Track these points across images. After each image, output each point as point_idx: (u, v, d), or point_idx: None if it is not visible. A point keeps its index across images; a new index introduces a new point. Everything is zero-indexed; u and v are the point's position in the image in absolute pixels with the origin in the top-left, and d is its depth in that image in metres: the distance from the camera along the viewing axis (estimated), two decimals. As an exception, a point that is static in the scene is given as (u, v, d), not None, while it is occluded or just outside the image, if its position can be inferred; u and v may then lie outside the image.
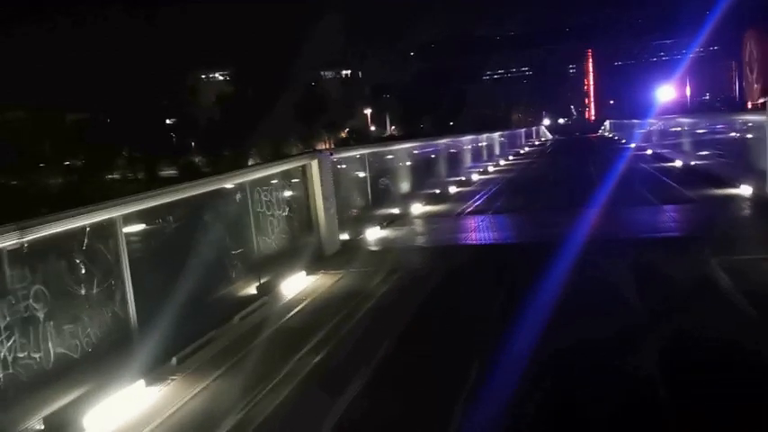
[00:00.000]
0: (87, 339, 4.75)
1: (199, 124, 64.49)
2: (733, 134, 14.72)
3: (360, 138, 66.10)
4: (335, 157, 10.61)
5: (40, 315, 4.37)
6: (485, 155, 27.50)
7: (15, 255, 4.25)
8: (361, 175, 12.24)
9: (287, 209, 8.66)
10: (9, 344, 4.16)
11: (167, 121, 68.08)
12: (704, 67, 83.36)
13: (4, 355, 4.15)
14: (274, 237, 8.17)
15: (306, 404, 4.72)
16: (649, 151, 26.66)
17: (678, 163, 19.84)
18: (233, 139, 56.09)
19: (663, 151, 24.08)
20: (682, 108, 61.98)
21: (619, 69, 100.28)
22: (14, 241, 4.20)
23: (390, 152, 14.97)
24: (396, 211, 13.18)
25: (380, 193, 12.89)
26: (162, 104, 65.19)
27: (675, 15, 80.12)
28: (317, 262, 8.87)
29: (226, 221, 7.03)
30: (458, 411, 4.29)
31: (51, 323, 4.44)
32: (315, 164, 9.36)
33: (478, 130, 31.24)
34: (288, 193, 8.95)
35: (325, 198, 9.43)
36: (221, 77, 78.66)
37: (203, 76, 78.58)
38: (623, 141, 39.10)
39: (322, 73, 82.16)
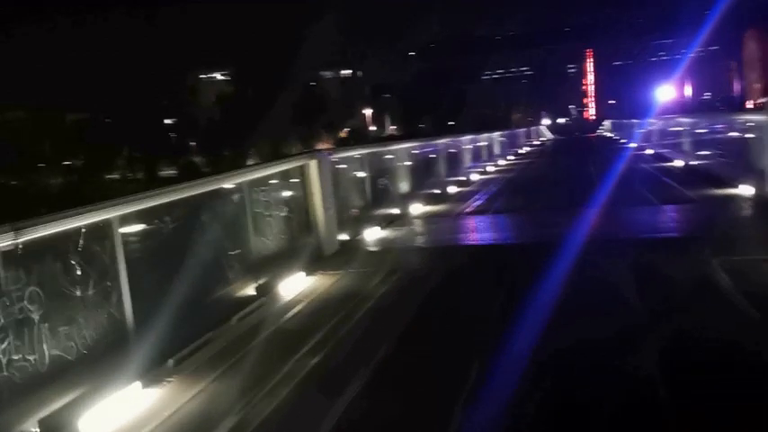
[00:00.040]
0: (83, 341, 4.71)
1: (199, 124, 64.52)
2: (733, 134, 14.69)
3: (359, 138, 66.04)
4: (334, 157, 10.58)
5: (35, 317, 4.33)
6: (484, 155, 27.46)
7: (10, 256, 4.21)
8: (361, 175, 12.21)
9: (285, 209, 8.63)
10: (3, 346, 4.12)
11: (167, 121, 68.08)
12: (704, 66, 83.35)
13: (-1, 358, 4.12)
14: (273, 237, 8.13)
15: (304, 406, 4.69)
16: (649, 151, 26.65)
17: (678, 163, 19.82)
18: (233, 140, 56.11)
19: (663, 151, 24.06)
20: (681, 108, 62.01)
21: (618, 69, 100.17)
22: (9, 242, 4.16)
23: (389, 152, 14.94)
24: (395, 211, 13.15)
25: (380, 193, 12.86)
26: (162, 104, 65.23)
27: (675, 15, 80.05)
28: (316, 262, 8.83)
29: (224, 222, 7.00)
30: (458, 411, 4.27)
31: (46, 325, 4.40)
32: (313, 164, 9.32)
33: (478, 129, 31.20)
34: (286, 194, 8.93)
35: (323, 198, 9.39)
36: (221, 77, 78.62)
37: (203, 76, 78.51)
38: (623, 141, 39.06)
39: (321, 73, 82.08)
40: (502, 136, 34.52)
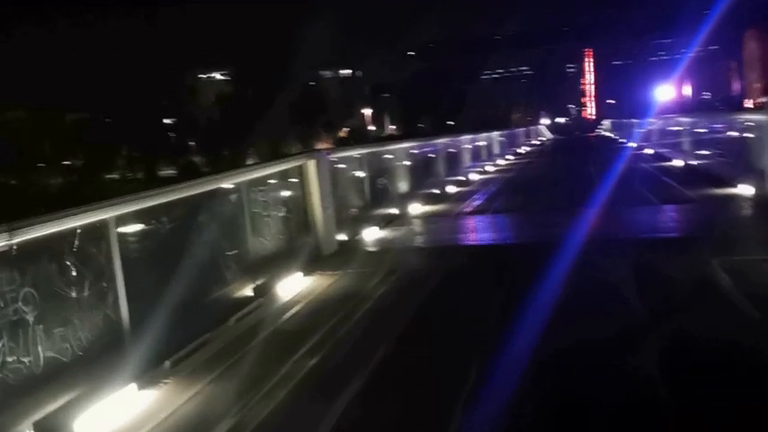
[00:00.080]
0: (78, 342, 4.66)
1: (198, 124, 64.50)
2: (733, 133, 14.66)
3: (359, 137, 66.00)
4: (333, 156, 10.55)
5: (30, 318, 4.29)
6: (484, 154, 27.44)
7: (4, 257, 4.17)
8: (359, 174, 12.17)
9: (284, 209, 8.59)
10: (-2, 347, 4.09)
11: (166, 121, 68.07)
12: (703, 66, 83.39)
13: (-7, 359, 4.08)
14: (271, 237, 8.09)
15: (302, 408, 4.65)
16: (649, 151, 26.62)
17: (678, 162, 19.80)
18: (232, 139, 56.07)
19: (662, 150, 24.03)
20: (681, 107, 62.00)
21: (618, 69, 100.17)
22: (3, 243, 4.12)
23: (389, 152, 14.91)
24: (394, 211, 13.12)
25: (379, 192, 12.82)
26: (161, 104, 65.26)
27: (675, 15, 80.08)
28: (315, 263, 8.80)
29: (221, 222, 6.95)
30: (458, 412, 4.25)
31: (41, 326, 4.36)
32: (312, 164, 9.28)
33: (477, 129, 31.16)
34: (285, 194, 8.89)
35: (322, 198, 9.36)
36: (221, 77, 78.61)
37: (202, 76, 78.53)
38: (623, 141, 39.04)
39: (321, 72, 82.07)
40: (501, 136, 34.50)
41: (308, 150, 11.12)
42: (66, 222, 4.64)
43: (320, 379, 5.09)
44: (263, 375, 5.09)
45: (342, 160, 11.40)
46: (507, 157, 32.51)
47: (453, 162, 20.78)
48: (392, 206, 13.19)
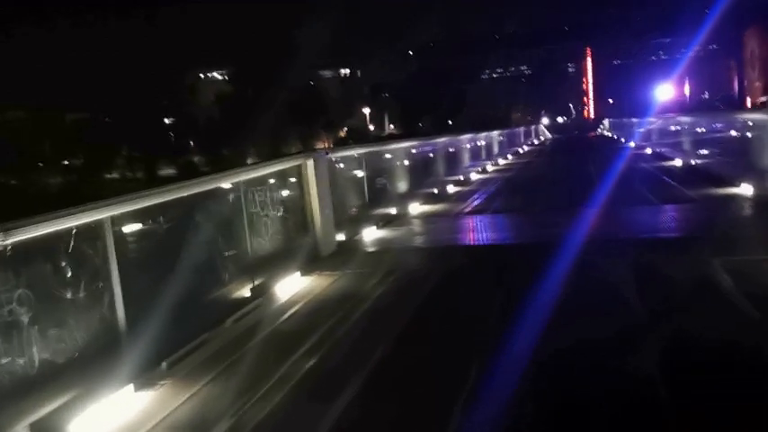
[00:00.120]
0: (74, 344, 4.64)
1: (198, 124, 64.49)
2: (733, 133, 14.64)
3: (359, 137, 65.95)
4: (332, 156, 10.51)
5: (25, 319, 4.26)
6: (483, 154, 27.41)
7: (-1, 257, 4.15)
8: (358, 174, 12.14)
9: (282, 209, 8.55)
10: (-7, 348, 4.06)
11: (166, 121, 68.07)
12: (703, 66, 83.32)
13: (-12, 361, 4.05)
14: (269, 237, 8.05)
15: (300, 409, 4.62)
16: (649, 150, 26.61)
17: (678, 162, 19.77)
18: (232, 139, 56.03)
19: (662, 150, 24.00)
20: (681, 107, 62.03)
21: (618, 68, 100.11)
22: (-2, 243, 4.10)
23: (388, 151, 14.88)
24: (393, 210, 13.08)
25: (378, 192, 12.79)
26: (161, 104, 65.24)
27: (675, 14, 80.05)
28: (313, 263, 8.76)
29: (219, 222, 6.91)
30: (457, 412, 4.23)
31: (36, 327, 4.33)
32: (310, 163, 9.25)
33: (477, 129, 31.13)
34: (283, 193, 8.85)
35: (320, 198, 9.32)
36: (220, 77, 78.60)
37: (202, 76, 78.52)
38: (622, 140, 39.04)
39: (321, 72, 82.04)
40: (501, 135, 34.44)
41: (306, 150, 11.08)
42: (62, 222, 4.61)
43: (318, 380, 5.06)
44: (260, 376, 5.05)
45: (340, 160, 11.37)
46: (507, 156, 32.50)
47: (453, 161, 20.75)
48: (391, 206, 13.15)
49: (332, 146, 51.44)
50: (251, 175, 7.88)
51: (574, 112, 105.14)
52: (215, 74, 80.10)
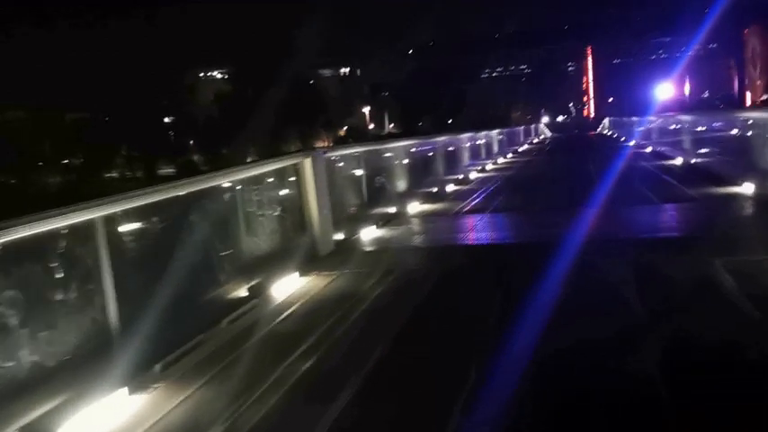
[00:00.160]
0: (65, 346, 4.57)
1: (197, 123, 64.51)
2: (734, 132, 14.57)
3: (358, 136, 65.96)
4: (330, 155, 10.45)
5: (14, 321, 4.18)
6: (483, 153, 27.36)
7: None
8: (357, 173, 12.08)
9: (279, 208, 8.50)
10: (-20, 353, 3.99)
11: (166, 120, 68.10)
12: (703, 65, 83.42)
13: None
14: (266, 237, 8.00)
15: (297, 411, 4.55)
16: (649, 149, 26.55)
17: (678, 161, 19.71)
18: (231, 138, 56.02)
19: (663, 149, 23.95)
20: (681, 106, 62.00)
21: (618, 67, 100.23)
22: (-13, 244, 4.02)
23: (387, 150, 14.82)
24: (392, 210, 13.02)
25: (376, 191, 12.73)
26: (161, 103, 65.28)
27: (675, 13, 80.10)
28: (311, 263, 8.69)
29: (214, 221, 6.85)
30: (457, 412, 4.18)
31: (26, 330, 4.26)
32: (308, 162, 9.18)
33: (477, 128, 31.08)
34: (280, 192, 8.79)
35: (318, 197, 9.25)
36: (220, 76, 78.60)
37: (202, 75, 78.52)
38: (622, 139, 39.01)
39: (321, 71, 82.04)
40: (501, 134, 34.42)
41: (304, 149, 11.03)
42: (52, 222, 4.53)
43: (315, 381, 4.99)
44: (256, 378, 4.98)
45: (339, 159, 11.31)
46: (507, 155, 32.46)
47: (452, 160, 20.69)
48: (390, 205, 13.09)
49: (332, 145, 51.48)
50: (247, 174, 7.82)
51: (574, 110, 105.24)
52: (215, 73, 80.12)
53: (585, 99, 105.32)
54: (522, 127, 52.30)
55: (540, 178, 20.89)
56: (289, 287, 7.64)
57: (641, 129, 32.33)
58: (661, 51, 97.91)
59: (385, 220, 12.17)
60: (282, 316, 6.70)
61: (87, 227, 4.87)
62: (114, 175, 56.21)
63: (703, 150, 17.55)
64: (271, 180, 8.51)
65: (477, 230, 11.59)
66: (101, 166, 55.16)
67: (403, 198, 14.01)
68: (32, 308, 4.33)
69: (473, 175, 21.72)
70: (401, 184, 14.63)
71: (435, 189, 16.92)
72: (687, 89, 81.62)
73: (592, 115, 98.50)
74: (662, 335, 5.20)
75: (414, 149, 16.98)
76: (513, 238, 10.89)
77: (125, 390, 4.82)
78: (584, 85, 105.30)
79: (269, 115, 53.73)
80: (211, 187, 7.02)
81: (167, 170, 54.15)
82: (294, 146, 55.47)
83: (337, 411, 4.36)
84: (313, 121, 66.21)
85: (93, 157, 55.15)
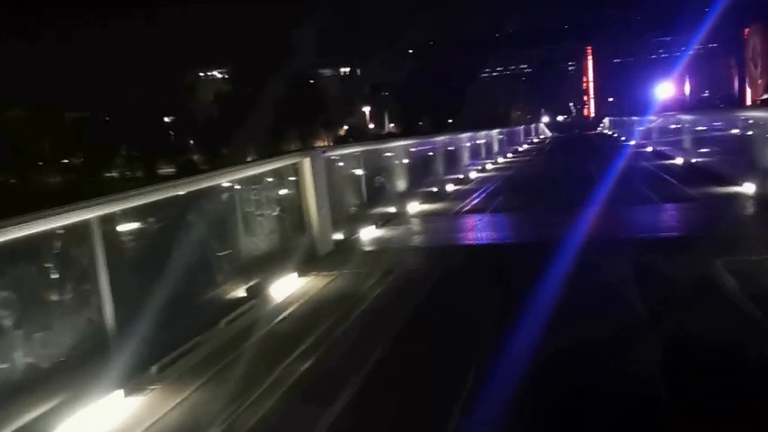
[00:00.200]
0: (61, 348, 4.53)
1: (197, 122, 64.53)
2: (735, 131, 14.52)
3: (358, 136, 65.99)
4: (329, 154, 10.41)
5: (8, 323, 4.14)
6: (483, 152, 27.33)
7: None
8: (357, 172, 12.05)
9: (277, 208, 8.46)
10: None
11: (166, 120, 68.11)
12: (703, 64, 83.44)
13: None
14: (264, 237, 7.96)
15: (295, 413, 4.52)
16: (649, 148, 26.51)
17: (679, 160, 19.66)
18: (231, 138, 56.04)
19: (663, 149, 23.90)
20: (681, 105, 61.95)
21: (618, 67, 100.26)
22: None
23: (386, 150, 14.78)
24: (391, 209, 12.98)
25: (376, 191, 12.70)
26: (161, 103, 65.26)
27: (675, 13, 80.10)
28: (310, 263, 8.65)
29: (212, 221, 6.80)
30: (457, 412, 4.16)
31: (21, 331, 4.22)
32: (307, 162, 9.13)
33: (477, 127, 31.05)
34: (279, 192, 8.75)
35: (317, 197, 9.21)
36: (220, 76, 78.60)
37: (202, 75, 78.52)
38: (623, 138, 38.98)
39: (321, 71, 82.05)
40: (501, 134, 34.39)
41: (303, 149, 11.00)
42: (47, 223, 4.49)
43: (314, 382, 4.95)
44: (253, 380, 4.93)
45: (338, 158, 11.26)
46: (507, 155, 32.43)
47: (452, 160, 20.65)
48: (390, 205, 13.05)
49: (332, 144, 51.49)
50: (246, 174, 7.78)
51: (574, 110, 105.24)
52: (215, 73, 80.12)
53: (585, 99, 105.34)
54: (522, 126, 52.27)
55: (541, 178, 20.86)
56: (287, 287, 7.60)
57: (641, 128, 32.28)
58: (661, 51, 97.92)
59: (384, 220, 12.12)
60: (281, 317, 6.66)
61: (83, 227, 4.83)
62: (114, 174, 56.20)
63: (704, 150, 17.51)
64: (269, 180, 8.47)
65: (477, 230, 11.56)
66: (101, 165, 55.19)
67: (403, 198, 13.97)
68: (27, 309, 4.29)
69: (473, 175, 21.69)
70: (401, 184, 14.59)
71: (435, 189, 16.88)
72: (687, 88, 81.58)
73: (592, 115, 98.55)
74: (662, 335, 5.17)
75: (413, 149, 16.93)
76: (513, 237, 10.85)
77: (121, 392, 4.78)
78: (585, 85, 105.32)
79: (269, 115, 53.76)
80: (209, 187, 6.98)
81: (167, 170, 54.14)
82: (294, 145, 55.49)
83: (337, 412, 4.33)
84: (313, 120, 66.24)
85: (92, 157, 55.19)
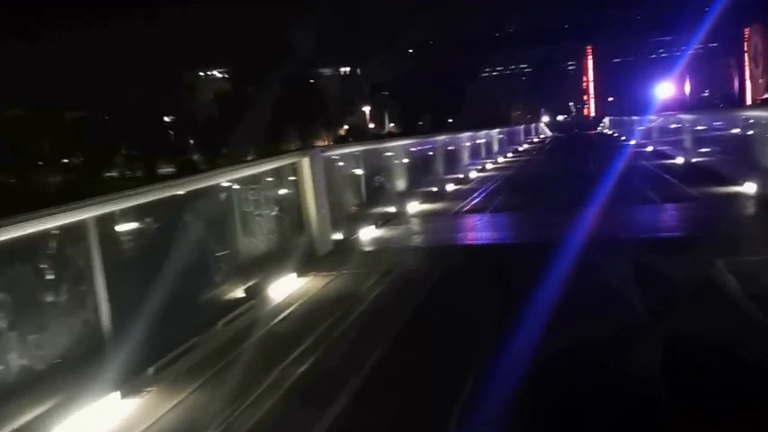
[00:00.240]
0: (56, 349, 4.49)
1: (197, 122, 64.48)
2: (736, 131, 14.49)
3: (358, 135, 65.98)
4: (328, 154, 10.38)
5: (3, 324, 4.10)
6: (483, 152, 27.31)
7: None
8: (356, 172, 12.02)
9: (276, 208, 8.43)
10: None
11: (166, 119, 68.07)
12: (703, 64, 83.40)
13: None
14: (263, 237, 7.93)
15: (293, 414, 4.49)
16: (650, 148, 26.48)
17: (679, 160, 19.63)
18: (231, 137, 56.01)
19: (663, 148, 23.88)
20: (681, 105, 61.89)
21: (618, 66, 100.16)
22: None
23: (386, 149, 14.75)
24: (391, 209, 12.95)
25: (375, 191, 12.67)
26: (160, 103, 65.21)
27: (675, 13, 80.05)
28: (309, 263, 8.62)
29: (210, 221, 6.77)
30: (457, 412, 4.14)
31: (16, 333, 4.18)
32: (306, 162, 9.10)
33: (477, 127, 31.02)
34: (278, 192, 8.72)
35: (316, 197, 9.18)
36: (220, 75, 78.57)
37: (202, 74, 78.47)
38: (623, 138, 38.98)
39: (321, 70, 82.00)
40: (501, 133, 34.38)
41: (302, 148, 10.97)
42: (42, 223, 4.45)
43: (313, 384, 4.92)
44: (252, 381, 4.90)
45: (338, 158, 11.23)
46: (507, 154, 32.41)
47: (452, 160, 20.63)
48: (389, 204, 13.02)
49: (332, 144, 51.49)
50: (244, 174, 7.75)
51: (574, 110, 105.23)
52: (215, 72, 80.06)
53: (585, 98, 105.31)
54: (523, 126, 52.25)
55: (541, 177, 20.84)
56: (286, 288, 7.57)
57: (642, 128, 32.27)
58: (661, 50, 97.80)
59: (384, 220, 12.09)
60: (280, 317, 6.62)
61: (79, 227, 4.79)
62: (114, 174, 56.15)
63: (704, 149, 17.47)
64: (268, 179, 8.44)
65: (477, 230, 11.54)
66: (101, 165, 55.11)
67: (402, 197, 13.94)
68: (22, 310, 4.26)
69: (473, 175, 21.67)
70: (401, 184, 14.56)
71: (435, 188, 16.86)
72: (687, 88, 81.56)
73: (592, 114, 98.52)
74: (663, 335, 5.15)
75: (413, 149, 16.92)
76: (513, 237, 10.83)
77: (117, 394, 4.74)
78: (585, 85, 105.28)
79: (269, 114, 53.71)
80: (208, 187, 6.94)
81: (167, 169, 54.05)
82: (294, 145, 55.38)
83: (336, 413, 4.30)
84: (313, 120, 66.18)
85: (92, 157, 55.11)
